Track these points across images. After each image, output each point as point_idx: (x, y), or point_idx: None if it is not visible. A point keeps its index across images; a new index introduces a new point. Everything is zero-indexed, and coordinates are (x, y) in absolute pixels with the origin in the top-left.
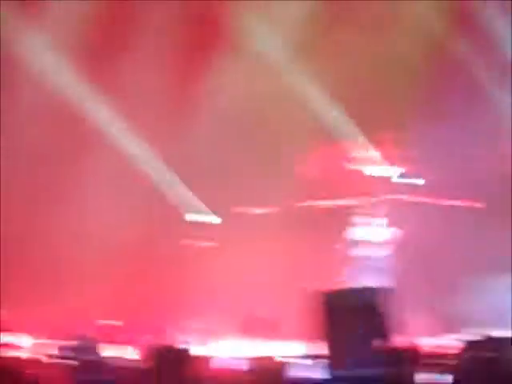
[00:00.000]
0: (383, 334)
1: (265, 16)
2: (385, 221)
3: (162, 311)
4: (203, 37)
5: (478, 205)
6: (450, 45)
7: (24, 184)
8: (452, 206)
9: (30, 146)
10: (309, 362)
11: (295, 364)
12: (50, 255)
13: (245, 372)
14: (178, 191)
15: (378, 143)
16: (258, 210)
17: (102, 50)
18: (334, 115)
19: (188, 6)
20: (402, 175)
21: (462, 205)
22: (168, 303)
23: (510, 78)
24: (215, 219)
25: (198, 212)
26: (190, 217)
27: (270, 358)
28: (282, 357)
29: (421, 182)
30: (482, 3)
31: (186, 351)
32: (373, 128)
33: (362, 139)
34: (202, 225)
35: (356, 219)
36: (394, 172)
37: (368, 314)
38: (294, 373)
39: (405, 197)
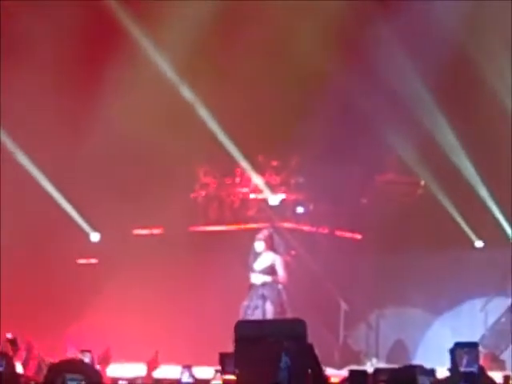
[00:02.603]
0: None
1: (159, 40)
2: (271, 247)
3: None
4: (97, 58)
5: (357, 236)
6: (334, 74)
7: None
8: (331, 235)
9: None
10: None
11: None
12: None
13: None
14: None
15: (262, 169)
16: (153, 231)
17: None
18: (221, 139)
19: (81, 26)
20: (284, 202)
21: (340, 234)
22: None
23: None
24: (104, 238)
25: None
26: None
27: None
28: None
29: (301, 209)
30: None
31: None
32: (257, 154)
33: (246, 164)
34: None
35: (250, 245)
36: (277, 198)
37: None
38: None
39: (288, 224)
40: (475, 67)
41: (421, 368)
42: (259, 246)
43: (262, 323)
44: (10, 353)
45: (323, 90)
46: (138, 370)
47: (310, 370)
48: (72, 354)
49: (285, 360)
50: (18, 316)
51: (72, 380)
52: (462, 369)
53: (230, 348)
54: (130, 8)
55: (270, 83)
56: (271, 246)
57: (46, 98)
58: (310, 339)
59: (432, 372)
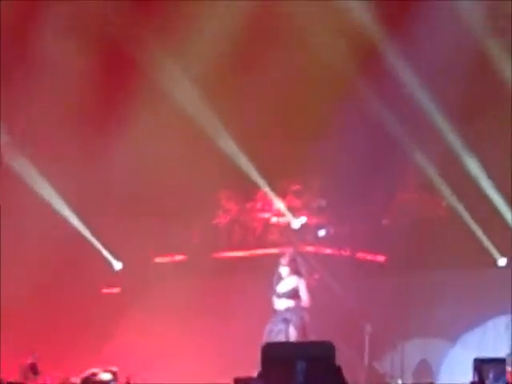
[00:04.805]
0: None
1: (178, 64)
2: (294, 271)
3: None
4: (119, 85)
5: (380, 257)
6: (355, 93)
7: None
8: (353, 258)
9: None
10: None
11: None
12: None
13: None
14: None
15: (283, 193)
16: (175, 258)
17: None
18: (241, 164)
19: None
20: (306, 226)
21: (362, 257)
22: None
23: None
24: (126, 267)
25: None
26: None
27: None
28: None
29: (323, 233)
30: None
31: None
32: (278, 177)
33: (267, 189)
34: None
35: (273, 270)
36: (299, 222)
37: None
38: None
39: (310, 248)
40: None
41: None
42: (284, 270)
43: (289, 345)
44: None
45: (344, 111)
46: None
47: None
48: None
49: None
50: (43, 342)
51: None
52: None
53: (251, 372)
54: (148, 35)
55: (290, 107)
56: (295, 270)
57: (69, 124)
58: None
59: None
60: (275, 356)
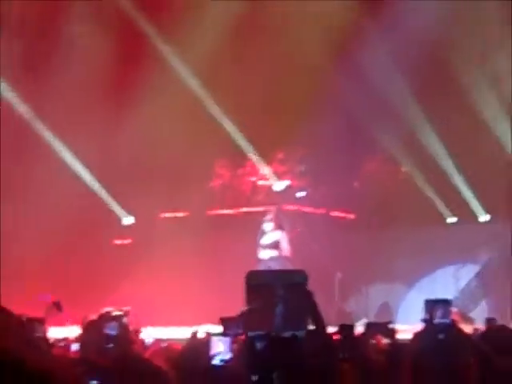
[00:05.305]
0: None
1: (180, 50)
2: (277, 226)
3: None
4: (127, 71)
5: (350, 215)
6: (331, 80)
7: None
8: (328, 215)
9: None
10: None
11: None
12: None
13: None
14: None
15: (269, 160)
16: (177, 214)
17: None
18: (234, 136)
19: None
20: (288, 188)
21: (335, 215)
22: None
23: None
24: (136, 221)
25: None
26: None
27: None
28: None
29: (303, 194)
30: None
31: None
32: (265, 148)
33: (256, 157)
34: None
35: (259, 225)
36: (282, 185)
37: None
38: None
39: (291, 207)
40: (451, 68)
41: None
42: (268, 226)
43: (269, 273)
44: (56, 315)
45: (323, 94)
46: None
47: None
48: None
49: (280, 307)
50: (61, 285)
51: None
52: (436, 320)
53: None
54: (154, 24)
55: (276, 90)
56: (278, 225)
57: (87, 98)
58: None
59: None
60: (257, 282)
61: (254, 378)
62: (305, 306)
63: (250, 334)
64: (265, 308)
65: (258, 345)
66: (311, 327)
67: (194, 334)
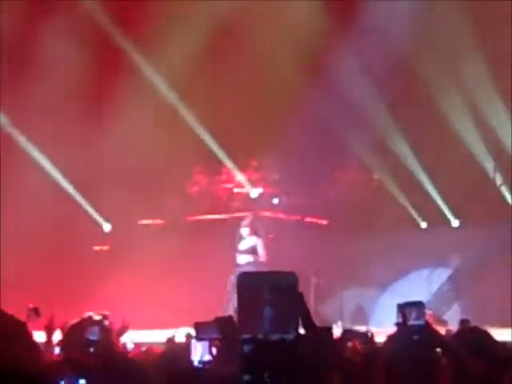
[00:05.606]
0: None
1: (156, 57)
2: (253, 232)
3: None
4: (109, 77)
5: (323, 221)
6: (303, 89)
7: None
8: (302, 222)
9: None
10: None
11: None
12: None
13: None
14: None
15: (244, 168)
16: (155, 221)
17: None
18: (211, 144)
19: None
20: (263, 195)
21: (311, 221)
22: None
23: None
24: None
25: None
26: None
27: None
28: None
29: (277, 201)
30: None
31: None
32: (241, 156)
33: (231, 164)
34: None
35: (237, 230)
36: (257, 192)
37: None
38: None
39: (266, 213)
40: (421, 78)
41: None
42: (244, 231)
43: (259, 275)
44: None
45: (296, 104)
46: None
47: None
48: None
49: (267, 310)
50: (40, 296)
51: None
52: (410, 322)
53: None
54: (130, 37)
55: (250, 100)
56: (254, 231)
57: (65, 107)
58: None
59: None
60: (248, 283)
61: (246, 377)
62: (295, 309)
63: (239, 336)
64: (254, 310)
65: (246, 348)
66: (302, 331)
67: (171, 339)
